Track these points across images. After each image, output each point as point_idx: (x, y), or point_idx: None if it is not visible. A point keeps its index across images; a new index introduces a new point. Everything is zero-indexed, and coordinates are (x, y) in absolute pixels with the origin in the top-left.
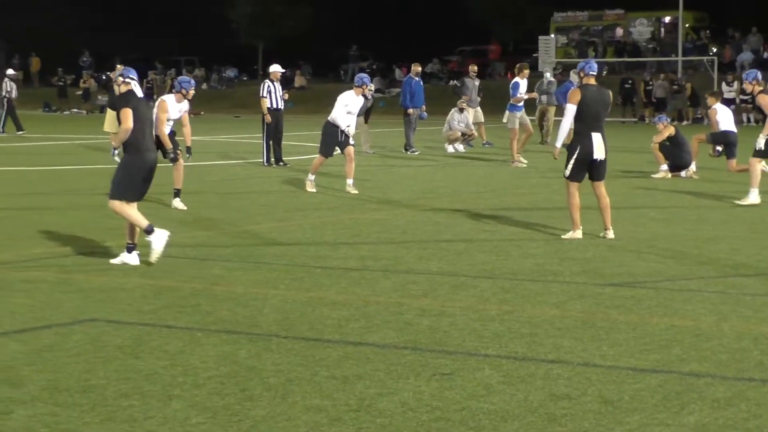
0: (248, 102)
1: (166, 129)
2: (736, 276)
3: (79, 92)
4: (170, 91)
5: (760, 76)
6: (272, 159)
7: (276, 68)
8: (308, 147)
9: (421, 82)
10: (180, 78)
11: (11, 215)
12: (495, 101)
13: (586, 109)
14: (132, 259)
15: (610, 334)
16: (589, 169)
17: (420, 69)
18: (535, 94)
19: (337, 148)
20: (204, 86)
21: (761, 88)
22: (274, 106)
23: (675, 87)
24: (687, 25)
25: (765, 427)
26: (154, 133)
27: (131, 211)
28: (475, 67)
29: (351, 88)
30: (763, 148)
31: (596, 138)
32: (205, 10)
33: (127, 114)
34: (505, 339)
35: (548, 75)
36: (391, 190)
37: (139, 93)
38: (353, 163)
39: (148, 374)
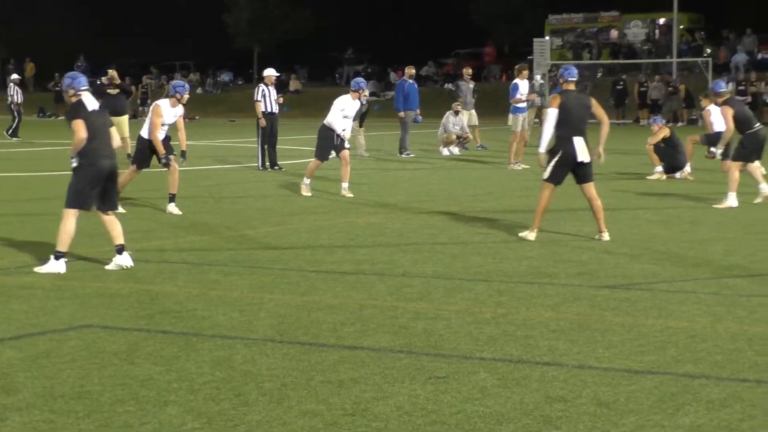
0: (243, 106)
1: (161, 134)
2: (730, 277)
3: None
4: (165, 96)
5: (724, 85)
6: (267, 163)
7: (270, 72)
8: (304, 151)
9: (416, 85)
10: (174, 82)
11: (7, 221)
12: (490, 104)
13: (567, 114)
14: (124, 260)
15: (606, 336)
16: (574, 172)
17: (413, 71)
18: (535, 96)
19: (332, 151)
20: (199, 90)
21: (723, 99)
22: (269, 110)
23: (670, 89)
24: (681, 27)
25: (759, 428)
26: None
27: (70, 226)
28: (470, 70)
29: (347, 92)
30: (732, 153)
31: (578, 141)
32: (200, 14)
33: (79, 125)
34: (500, 342)
35: (538, 78)
36: (387, 194)
37: (92, 103)
38: (349, 167)
39: (144, 380)
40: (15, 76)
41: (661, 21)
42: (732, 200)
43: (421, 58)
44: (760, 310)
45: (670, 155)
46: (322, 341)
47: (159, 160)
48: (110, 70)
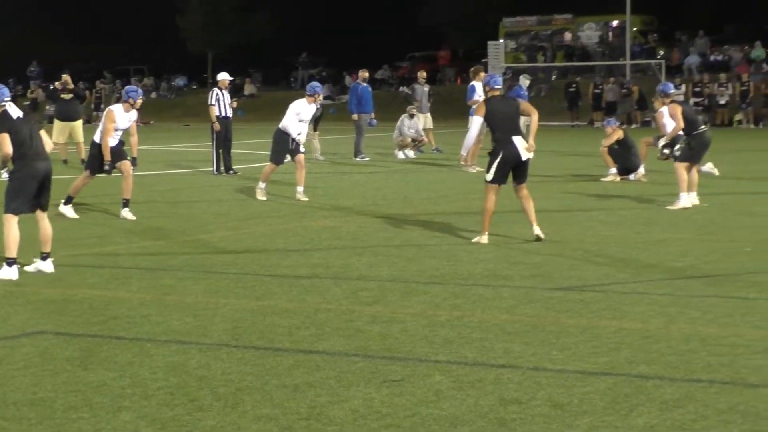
0: (198, 110)
1: (114, 139)
2: (684, 278)
3: (27, 102)
4: (117, 101)
5: (672, 86)
6: (222, 167)
7: (224, 76)
8: (258, 155)
9: (369, 88)
10: (127, 87)
11: None
12: (445, 107)
13: (494, 118)
14: (46, 266)
15: (560, 338)
16: (514, 172)
17: (367, 74)
18: None
19: (287, 155)
20: (153, 95)
21: (670, 100)
22: (223, 114)
23: (624, 90)
24: (635, 29)
25: (712, 428)
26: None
27: (13, 231)
28: (424, 73)
29: (302, 96)
30: (677, 154)
31: (518, 141)
32: (154, 18)
33: (4, 139)
34: (455, 344)
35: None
36: (342, 197)
37: (16, 111)
38: (304, 171)
39: (97, 386)
40: None
41: (615, 23)
42: (684, 201)
43: (376, 61)
44: (714, 310)
45: (624, 157)
46: (277, 345)
47: (102, 166)
48: (64, 75)
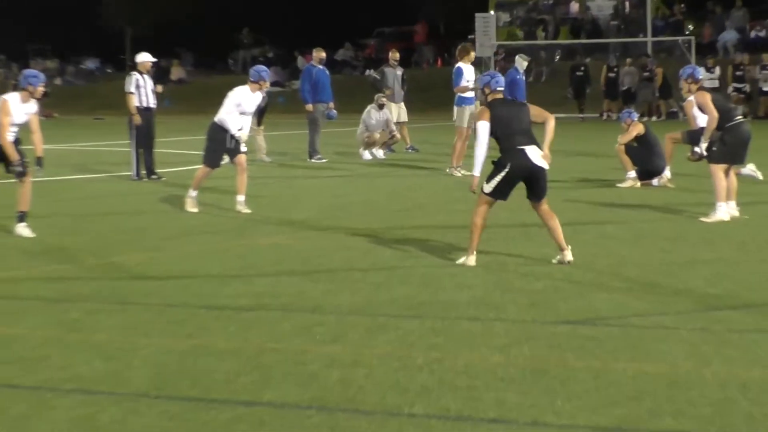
0: (113, 100)
1: (10, 135)
2: (720, 309)
3: None
4: (14, 89)
5: (699, 73)
6: (143, 171)
7: (145, 57)
8: (189, 155)
9: (327, 72)
10: (26, 72)
11: None
12: (423, 95)
13: (500, 125)
14: None
15: (566, 385)
16: (528, 187)
17: (324, 55)
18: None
19: (225, 156)
20: (58, 81)
21: (698, 86)
22: (144, 104)
23: (646, 74)
24: None
25: None
26: None
27: None
28: (397, 54)
29: (244, 82)
30: (707, 154)
31: (531, 150)
32: None
33: None
34: (435, 394)
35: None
36: (293, 208)
37: None
38: (245, 175)
39: None
40: None
41: None
42: (722, 212)
43: (336, 39)
44: (756, 348)
45: (645, 157)
46: (212, 396)
47: (8, 168)
48: None
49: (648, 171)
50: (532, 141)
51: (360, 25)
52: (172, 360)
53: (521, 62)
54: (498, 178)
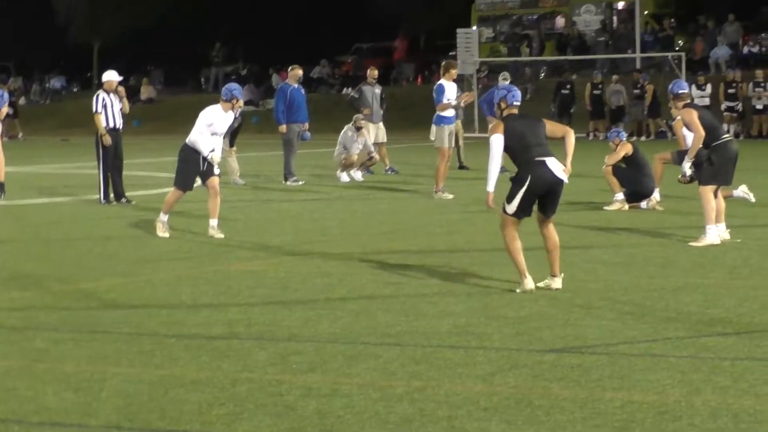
0: (80, 120)
1: None
2: (711, 335)
3: None
4: None
5: (679, 87)
6: (111, 195)
7: (111, 76)
8: (159, 178)
9: (303, 90)
10: None
11: None
12: (402, 114)
13: (516, 138)
14: None
15: (551, 415)
16: (545, 199)
17: (300, 73)
18: (468, 96)
19: (197, 179)
20: (22, 101)
21: (684, 102)
22: (111, 125)
23: (636, 91)
24: (646, 13)
25: None
26: None
27: None
28: (376, 72)
29: (216, 101)
30: (693, 175)
31: (551, 161)
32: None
33: None
34: (416, 424)
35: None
36: (268, 233)
37: None
38: (218, 199)
39: None
40: None
41: (621, 5)
42: (712, 235)
43: (312, 55)
44: (747, 376)
45: (634, 179)
46: (183, 427)
47: None
48: None
49: (637, 193)
50: (550, 153)
51: (337, 41)
52: (143, 391)
53: (503, 81)
54: (519, 195)
